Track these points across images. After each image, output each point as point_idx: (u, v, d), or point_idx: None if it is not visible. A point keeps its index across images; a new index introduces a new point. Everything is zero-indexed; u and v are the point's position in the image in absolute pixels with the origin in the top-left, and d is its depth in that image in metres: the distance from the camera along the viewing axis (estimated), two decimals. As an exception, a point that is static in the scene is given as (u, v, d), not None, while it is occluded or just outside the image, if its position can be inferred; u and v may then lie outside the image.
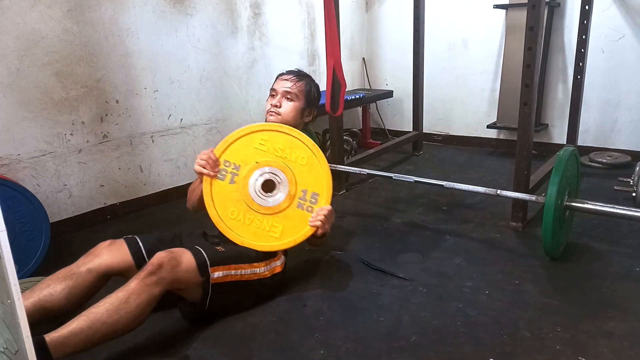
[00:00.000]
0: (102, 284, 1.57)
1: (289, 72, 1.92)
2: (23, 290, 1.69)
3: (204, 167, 1.69)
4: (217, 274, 1.57)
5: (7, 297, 0.81)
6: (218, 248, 1.66)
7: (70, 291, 1.48)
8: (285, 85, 1.86)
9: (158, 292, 1.43)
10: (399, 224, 2.51)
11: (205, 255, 1.57)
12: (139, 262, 1.59)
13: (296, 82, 1.87)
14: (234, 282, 1.62)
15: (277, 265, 1.76)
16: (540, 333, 1.55)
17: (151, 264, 1.44)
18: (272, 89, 1.90)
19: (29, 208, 2.00)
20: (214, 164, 1.70)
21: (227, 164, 1.72)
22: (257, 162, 1.72)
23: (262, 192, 1.72)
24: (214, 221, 1.73)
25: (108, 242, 1.61)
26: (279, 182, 1.73)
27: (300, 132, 1.77)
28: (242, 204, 1.72)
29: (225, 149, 1.73)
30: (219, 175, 1.72)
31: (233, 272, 1.62)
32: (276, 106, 1.85)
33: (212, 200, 1.71)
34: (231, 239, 1.71)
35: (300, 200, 1.73)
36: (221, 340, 1.57)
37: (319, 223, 1.68)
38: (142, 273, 1.43)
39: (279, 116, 1.85)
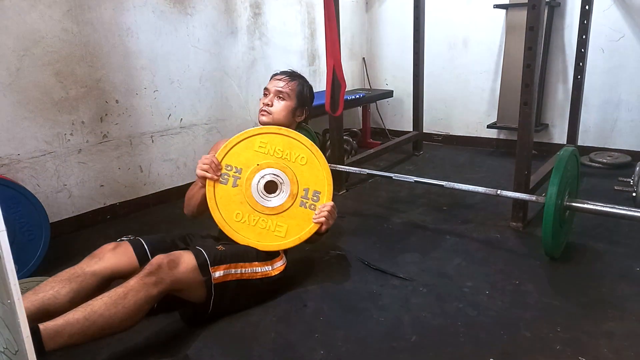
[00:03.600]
0: (106, 287, 1.55)
1: (282, 73, 1.95)
2: (23, 290, 1.68)
3: (207, 171, 1.71)
4: (218, 273, 1.58)
5: (7, 297, 0.81)
6: (218, 247, 1.66)
7: (75, 295, 1.46)
8: (278, 85, 1.89)
9: (156, 293, 1.43)
10: (399, 224, 2.51)
11: (205, 254, 1.58)
12: (144, 263, 1.57)
13: (288, 82, 1.90)
14: (235, 281, 1.63)
15: (280, 265, 1.77)
16: (540, 333, 1.55)
17: (150, 265, 1.45)
18: (265, 89, 1.92)
19: (29, 208, 2.00)
20: (217, 167, 1.73)
21: (229, 167, 1.75)
22: (258, 165, 1.75)
23: (265, 193, 1.75)
24: (219, 225, 1.74)
25: (112, 245, 1.61)
26: (281, 183, 1.76)
27: (298, 133, 1.79)
28: (246, 206, 1.74)
29: (227, 153, 1.76)
30: (221, 179, 1.74)
31: (233, 270, 1.63)
32: (268, 105, 1.88)
33: (217, 204, 1.73)
34: (237, 240, 1.73)
35: (302, 199, 1.76)
36: (221, 340, 1.57)
37: (323, 219, 1.74)
38: (142, 273, 1.44)
39: (270, 115, 1.87)
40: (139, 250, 1.61)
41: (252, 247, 1.72)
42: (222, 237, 1.80)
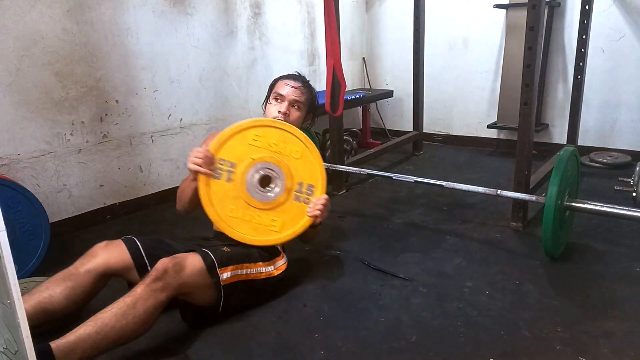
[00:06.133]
0: (102, 285, 1.57)
1: (295, 79, 1.90)
2: (23, 291, 1.69)
3: (200, 166, 1.63)
4: (225, 274, 1.58)
5: (7, 297, 0.81)
6: (224, 249, 1.65)
7: (70, 292, 1.47)
8: (295, 94, 1.85)
9: (164, 298, 1.43)
10: (399, 224, 2.50)
11: (212, 256, 1.57)
12: (138, 261, 1.59)
13: (303, 91, 1.88)
14: (241, 281, 1.63)
15: (282, 264, 1.78)
16: (541, 333, 1.55)
17: (156, 270, 1.43)
18: (279, 94, 1.85)
19: (29, 208, 2.00)
20: (210, 161, 1.65)
21: (223, 162, 1.69)
22: (252, 159, 1.72)
23: (259, 187, 1.73)
24: (213, 220, 1.71)
25: (104, 243, 1.61)
26: (275, 177, 1.75)
27: (293, 126, 1.76)
28: (240, 201, 1.71)
29: (220, 148, 1.69)
30: (214, 174, 1.68)
31: (239, 271, 1.63)
32: (286, 114, 1.83)
33: (210, 200, 1.68)
34: (232, 237, 1.71)
35: (297, 193, 1.76)
36: (221, 340, 1.57)
37: (317, 212, 1.73)
38: (148, 279, 1.42)
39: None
40: (133, 248, 1.61)
41: (255, 248, 1.72)
42: (218, 238, 1.80)
